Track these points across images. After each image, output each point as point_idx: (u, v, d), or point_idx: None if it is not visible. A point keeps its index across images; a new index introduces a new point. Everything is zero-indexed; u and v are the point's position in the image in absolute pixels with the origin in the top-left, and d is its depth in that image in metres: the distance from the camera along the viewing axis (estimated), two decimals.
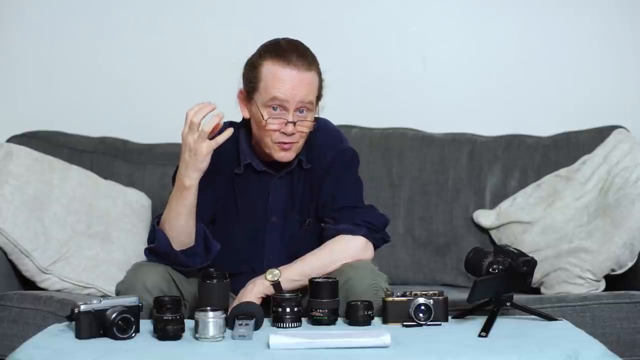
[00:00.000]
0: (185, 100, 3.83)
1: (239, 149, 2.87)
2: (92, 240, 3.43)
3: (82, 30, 3.90)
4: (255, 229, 2.90)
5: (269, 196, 2.88)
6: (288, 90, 2.75)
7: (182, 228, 2.76)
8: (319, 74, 2.82)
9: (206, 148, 2.68)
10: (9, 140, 3.65)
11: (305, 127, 2.79)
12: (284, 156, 2.81)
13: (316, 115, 2.84)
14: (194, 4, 3.90)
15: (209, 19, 3.90)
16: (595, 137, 3.66)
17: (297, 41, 2.83)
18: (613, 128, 3.65)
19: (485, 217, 3.63)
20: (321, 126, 2.87)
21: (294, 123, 2.76)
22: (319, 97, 2.82)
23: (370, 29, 3.91)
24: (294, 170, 2.87)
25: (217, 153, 2.85)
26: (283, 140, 2.77)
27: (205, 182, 2.79)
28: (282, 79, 2.75)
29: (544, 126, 3.78)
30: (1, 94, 3.90)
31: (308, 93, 2.77)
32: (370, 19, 3.92)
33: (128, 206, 3.55)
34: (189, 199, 2.74)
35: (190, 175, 2.72)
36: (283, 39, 2.84)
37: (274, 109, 2.76)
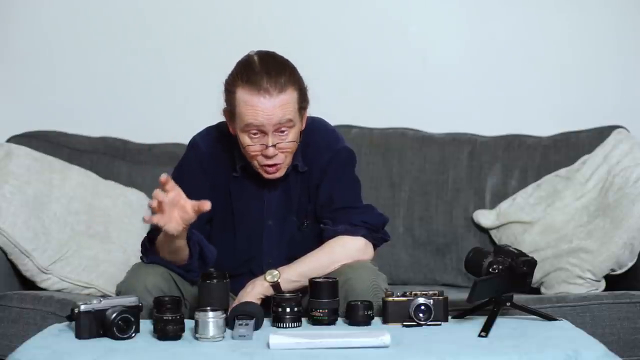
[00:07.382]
0: (185, 101, 3.89)
1: (233, 152, 2.86)
2: (92, 240, 3.43)
3: (82, 30, 3.90)
4: (253, 231, 2.89)
5: (264, 200, 2.88)
6: (261, 116, 2.70)
7: (172, 257, 2.73)
8: (298, 86, 2.75)
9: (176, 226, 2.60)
10: (9, 140, 3.65)
11: (288, 147, 2.75)
12: (272, 177, 2.80)
13: (309, 116, 2.82)
14: (194, 4, 3.90)
15: (209, 19, 3.89)
16: (595, 137, 3.66)
17: (271, 58, 2.77)
18: (613, 128, 3.65)
19: (485, 217, 3.63)
20: (317, 126, 2.86)
21: (274, 145, 2.73)
22: (303, 107, 2.78)
23: (370, 29, 3.91)
24: (289, 173, 2.85)
25: (213, 157, 2.85)
26: (267, 163, 2.75)
27: (202, 185, 2.79)
28: (254, 107, 2.70)
29: (544, 126, 3.78)
30: (1, 94, 3.90)
31: (284, 114, 2.72)
32: (370, 19, 3.91)
33: (128, 206, 3.55)
34: (174, 245, 2.69)
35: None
36: (258, 55, 2.78)
37: (253, 133, 2.73)
